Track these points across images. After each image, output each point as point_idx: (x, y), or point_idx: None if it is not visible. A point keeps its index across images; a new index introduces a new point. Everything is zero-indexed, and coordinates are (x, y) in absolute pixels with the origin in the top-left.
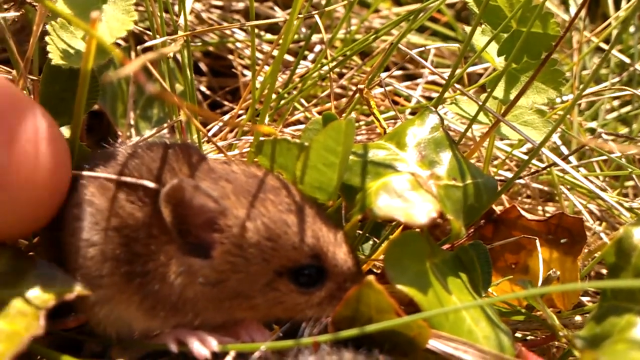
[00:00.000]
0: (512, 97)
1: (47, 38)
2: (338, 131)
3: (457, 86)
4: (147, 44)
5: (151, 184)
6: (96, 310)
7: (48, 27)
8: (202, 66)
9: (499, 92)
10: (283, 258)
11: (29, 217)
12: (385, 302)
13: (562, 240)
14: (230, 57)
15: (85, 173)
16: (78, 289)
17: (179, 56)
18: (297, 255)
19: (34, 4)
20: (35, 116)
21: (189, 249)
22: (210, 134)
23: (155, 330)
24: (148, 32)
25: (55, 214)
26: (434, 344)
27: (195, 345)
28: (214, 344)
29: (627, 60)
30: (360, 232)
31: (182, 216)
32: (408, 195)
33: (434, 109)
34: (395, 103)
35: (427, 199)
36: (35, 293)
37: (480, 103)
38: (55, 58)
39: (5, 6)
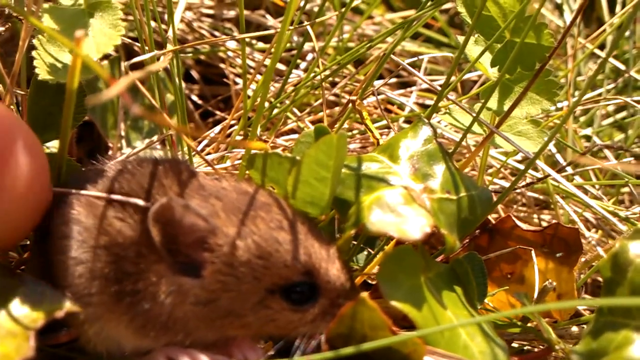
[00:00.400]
0: (506, 107)
1: (33, 52)
2: (330, 145)
3: (451, 97)
4: (135, 60)
5: (140, 202)
6: (86, 327)
7: (35, 41)
8: (194, 74)
9: (492, 102)
10: (275, 276)
11: (6, 230)
12: (379, 319)
13: (558, 255)
14: (222, 65)
15: (73, 191)
16: (67, 306)
17: (169, 66)
18: (289, 272)
19: (21, 17)
20: (16, 133)
21: (179, 268)
22: (203, 144)
23: (146, 348)
24: (137, 42)
25: (32, 228)
26: None
27: None
28: None
29: (622, 67)
30: (355, 243)
31: (172, 235)
32: (401, 209)
33: (427, 121)
34: (389, 111)
35: (420, 213)
36: (24, 311)
37: (474, 114)
38: (42, 73)
39: None
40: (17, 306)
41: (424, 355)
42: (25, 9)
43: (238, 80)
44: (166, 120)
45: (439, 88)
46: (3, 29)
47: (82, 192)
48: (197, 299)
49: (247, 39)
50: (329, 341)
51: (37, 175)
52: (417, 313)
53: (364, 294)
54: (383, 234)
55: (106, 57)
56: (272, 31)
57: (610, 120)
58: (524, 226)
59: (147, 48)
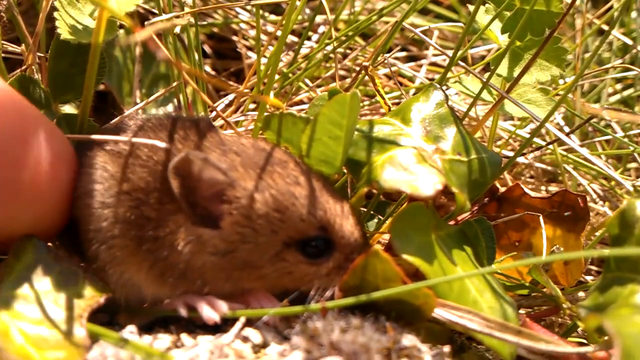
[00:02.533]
0: (515, 74)
1: (55, 14)
2: (343, 104)
3: (461, 64)
4: (154, 20)
5: (162, 144)
6: (108, 271)
7: (56, 3)
8: (207, 48)
9: (502, 69)
10: (291, 230)
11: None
12: (391, 271)
13: (566, 214)
14: (235, 38)
15: (95, 137)
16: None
17: (184, 38)
18: (304, 227)
19: None
20: (41, 129)
21: (198, 219)
22: (220, 107)
23: (165, 296)
24: (154, 11)
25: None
26: (439, 312)
27: (205, 310)
28: (224, 307)
29: (630, 42)
30: (365, 209)
31: (191, 188)
32: (413, 168)
33: (438, 86)
34: (400, 84)
35: (432, 171)
36: (64, 296)
37: (484, 80)
38: (64, 33)
39: None
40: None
41: (434, 307)
42: None
43: (250, 53)
44: (188, 68)
45: (450, 56)
46: None
47: (107, 137)
48: (216, 249)
49: (260, 12)
50: (342, 293)
51: (62, 166)
52: (428, 267)
53: (377, 246)
54: (395, 191)
55: (121, 26)
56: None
57: (617, 97)
58: (532, 193)
59: (164, 14)
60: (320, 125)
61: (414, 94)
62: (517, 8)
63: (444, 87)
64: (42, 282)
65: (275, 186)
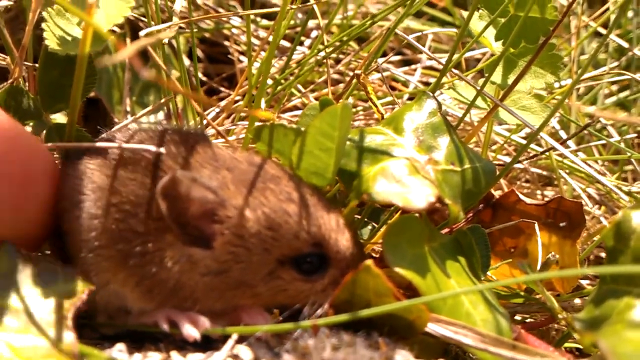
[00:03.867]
0: (510, 81)
1: (43, 25)
2: (334, 116)
3: (455, 71)
4: (143, 32)
5: (152, 147)
6: (93, 278)
7: (44, 14)
8: (198, 52)
9: (497, 76)
10: (285, 247)
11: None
12: (383, 285)
13: (561, 224)
14: (227, 43)
15: (86, 144)
16: (84, 285)
17: (174, 43)
18: (298, 244)
19: None
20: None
21: (189, 239)
22: (210, 116)
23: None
24: (143, 18)
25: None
26: (432, 327)
27: (186, 327)
28: (206, 324)
29: (626, 44)
30: (359, 217)
31: (181, 209)
32: (406, 180)
33: (431, 94)
34: (393, 89)
35: (425, 183)
36: (47, 299)
37: (478, 88)
38: (52, 44)
39: None
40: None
41: (427, 321)
42: None
43: (242, 58)
44: (176, 86)
45: (444, 63)
46: (11, 2)
47: (97, 144)
48: (208, 269)
49: (252, 17)
50: (334, 308)
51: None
52: (421, 280)
53: (369, 261)
54: (387, 204)
55: (112, 32)
56: (276, 9)
57: (614, 99)
58: (528, 200)
59: (153, 23)
60: (311, 137)
61: (407, 99)
62: (511, 15)
63: (438, 94)
64: (21, 287)
65: (267, 204)
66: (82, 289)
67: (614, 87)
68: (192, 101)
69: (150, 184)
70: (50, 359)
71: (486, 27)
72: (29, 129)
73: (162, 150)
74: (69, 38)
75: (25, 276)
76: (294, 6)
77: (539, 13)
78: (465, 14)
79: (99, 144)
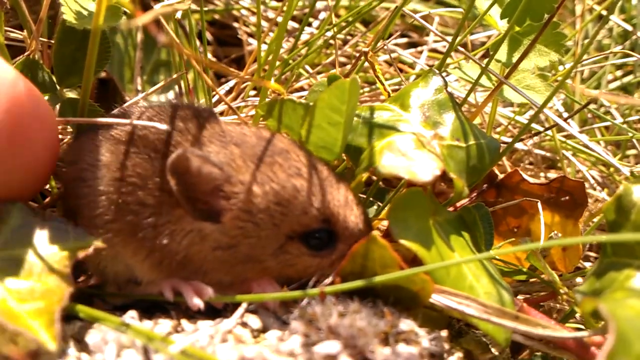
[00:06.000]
0: (514, 60)
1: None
2: (342, 90)
3: (461, 49)
4: (156, 6)
5: (163, 126)
6: (102, 251)
7: None
8: (208, 35)
9: (501, 55)
10: (294, 223)
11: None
12: (389, 257)
13: (563, 199)
14: (236, 24)
15: (96, 120)
16: (94, 243)
17: (185, 24)
18: (307, 220)
19: None
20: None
21: (199, 214)
22: (215, 99)
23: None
24: None
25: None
26: (437, 298)
27: (191, 296)
28: (209, 293)
29: (629, 27)
30: (365, 196)
31: (189, 185)
32: (412, 154)
33: (437, 71)
34: (400, 70)
35: (430, 157)
36: (52, 250)
37: (483, 66)
38: (69, 18)
39: None
40: (46, 245)
41: (432, 292)
42: None
43: (251, 40)
44: (189, 53)
45: (450, 41)
46: None
47: (104, 119)
48: (218, 243)
49: None
50: (340, 279)
51: (46, 132)
52: (426, 252)
53: (375, 232)
54: (394, 176)
55: (124, 13)
56: None
57: (617, 83)
58: (531, 180)
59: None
60: (320, 111)
61: (414, 80)
62: None
63: (444, 73)
64: (32, 240)
65: (275, 179)
66: (88, 246)
67: (618, 73)
68: (203, 75)
69: (160, 159)
70: (41, 300)
71: (491, 5)
72: None
73: (166, 127)
74: (86, 13)
75: (37, 231)
76: None
77: None
78: None
79: (110, 119)
